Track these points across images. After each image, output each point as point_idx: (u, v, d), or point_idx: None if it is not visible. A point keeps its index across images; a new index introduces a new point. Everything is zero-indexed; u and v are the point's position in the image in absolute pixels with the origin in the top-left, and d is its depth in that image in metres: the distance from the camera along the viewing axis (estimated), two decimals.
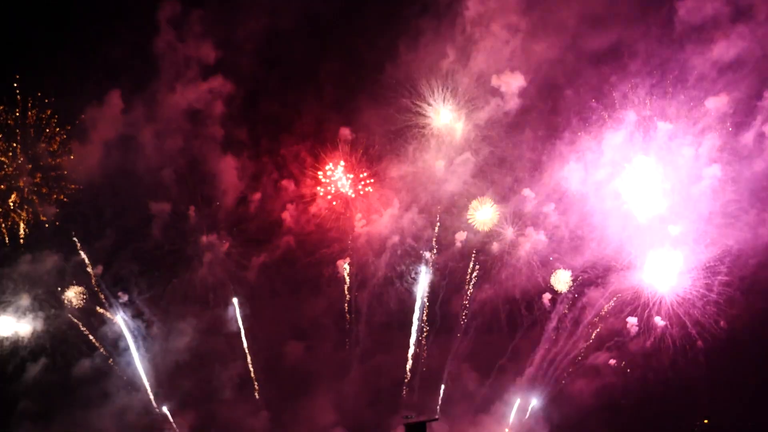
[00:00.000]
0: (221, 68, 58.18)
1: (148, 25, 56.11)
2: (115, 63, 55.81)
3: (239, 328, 59.20)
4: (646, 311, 59.99)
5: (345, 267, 60.88)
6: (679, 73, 56.86)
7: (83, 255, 55.69)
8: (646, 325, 59.94)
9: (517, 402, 60.04)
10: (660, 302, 59.82)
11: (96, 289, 56.04)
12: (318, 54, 60.33)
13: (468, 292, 60.91)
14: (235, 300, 59.32)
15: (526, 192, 60.88)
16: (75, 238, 55.55)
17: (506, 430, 60.15)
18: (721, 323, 58.36)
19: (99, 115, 55.45)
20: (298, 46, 60.15)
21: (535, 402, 60.16)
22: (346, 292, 60.97)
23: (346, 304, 60.96)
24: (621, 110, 58.15)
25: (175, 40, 56.85)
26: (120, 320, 56.32)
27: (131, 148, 56.44)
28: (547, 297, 60.98)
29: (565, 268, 60.77)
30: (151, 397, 56.65)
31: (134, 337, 56.57)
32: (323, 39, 60.42)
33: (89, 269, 55.69)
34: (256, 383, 58.88)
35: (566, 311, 60.59)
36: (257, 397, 58.70)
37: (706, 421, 61.58)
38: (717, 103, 56.46)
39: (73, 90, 54.82)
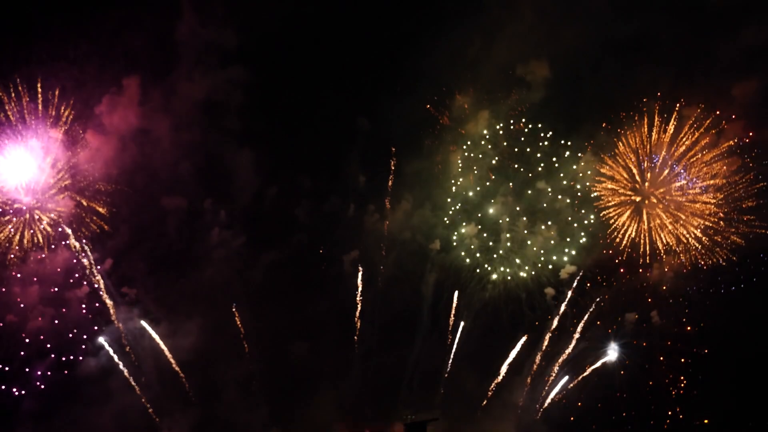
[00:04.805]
0: (241, 56, 57.47)
1: (170, 8, 55.29)
2: (135, 50, 55.08)
3: (244, 327, 59.48)
4: (648, 311, 59.91)
5: (354, 265, 60.98)
6: (705, 59, 56.44)
7: (91, 252, 55.55)
8: (647, 325, 59.86)
9: (518, 402, 60.20)
10: (663, 302, 59.61)
11: (102, 286, 56.07)
12: (338, 41, 59.46)
13: (471, 291, 60.92)
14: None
15: (541, 186, 60.66)
16: (82, 236, 55.34)
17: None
18: (722, 323, 57.98)
19: (116, 106, 54.64)
20: (319, 31, 59.43)
21: (535, 401, 60.36)
22: (355, 290, 61.09)
23: (354, 302, 61.07)
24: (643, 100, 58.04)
25: (198, 24, 56.02)
26: (126, 319, 56.53)
27: (147, 141, 56.03)
28: (550, 296, 60.99)
29: (571, 266, 60.47)
30: (155, 396, 57.08)
31: (139, 336, 56.73)
32: (344, 26, 59.40)
33: (94, 267, 55.62)
34: (258, 382, 59.34)
35: (569, 309, 60.38)
36: (259, 395, 59.05)
37: (706, 421, 61.81)
38: (744, 90, 55.76)
39: (91, 80, 54.11)
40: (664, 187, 58.44)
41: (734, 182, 57.04)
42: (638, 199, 58.95)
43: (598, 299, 59.84)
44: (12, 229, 52.47)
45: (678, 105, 57.26)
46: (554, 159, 60.62)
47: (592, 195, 59.89)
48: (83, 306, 55.29)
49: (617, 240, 59.58)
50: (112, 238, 55.61)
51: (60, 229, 53.96)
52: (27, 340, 53.74)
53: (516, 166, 61.26)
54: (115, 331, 55.83)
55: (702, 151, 57.20)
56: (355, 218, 61.28)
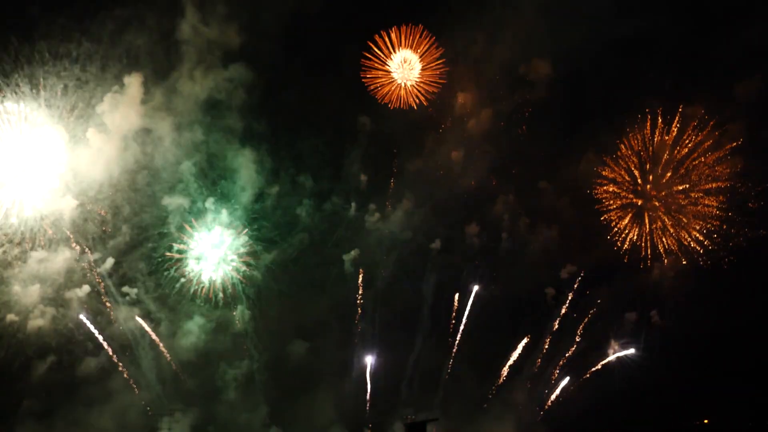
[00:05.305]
0: (243, 55, 57.30)
1: (173, 8, 55.11)
2: (137, 49, 54.75)
3: (245, 327, 59.52)
4: (648, 311, 60.02)
5: (355, 265, 60.93)
6: (708, 60, 56.34)
7: (91, 253, 55.39)
8: (647, 325, 59.91)
9: (518, 402, 60.38)
10: (663, 301, 59.61)
11: (103, 287, 56.02)
12: (341, 39, 59.51)
13: (472, 291, 60.74)
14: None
15: (543, 184, 61.08)
16: (83, 236, 55.18)
17: None
18: (722, 321, 57.85)
19: (118, 105, 54.23)
20: (321, 30, 59.30)
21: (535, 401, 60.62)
22: (356, 290, 61.16)
23: (354, 302, 61.17)
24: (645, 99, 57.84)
25: (200, 23, 55.75)
26: (126, 319, 56.49)
27: (149, 140, 55.72)
28: (551, 296, 61.10)
29: (572, 265, 60.36)
30: (155, 396, 57.20)
31: (139, 336, 56.66)
32: (347, 23, 59.31)
33: (94, 268, 55.53)
34: (258, 382, 59.30)
35: (569, 310, 60.35)
36: (259, 395, 59.07)
37: (706, 421, 61.89)
38: (746, 91, 55.87)
39: (94, 78, 53.78)
40: (666, 189, 58.30)
41: (736, 184, 57.01)
42: (640, 202, 58.82)
43: (598, 300, 59.86)
44: (14, 230, 52.51)
45: (681, 106, 57.12)
46: (557, 159, 60.69)
47: (594, 197, 59.84)
48: (83, 306, 55.23)
49: (618, 243, 59.59)
50: (112, 238, 55.52)
51: (62, 229, 54.05)
52: (27, 340, 53.76)
53: (518, 166, 61.52)
54: (115, 331, 55.91)
55: (705, 153, 57.09)
56: (356, 218, 61.33)
